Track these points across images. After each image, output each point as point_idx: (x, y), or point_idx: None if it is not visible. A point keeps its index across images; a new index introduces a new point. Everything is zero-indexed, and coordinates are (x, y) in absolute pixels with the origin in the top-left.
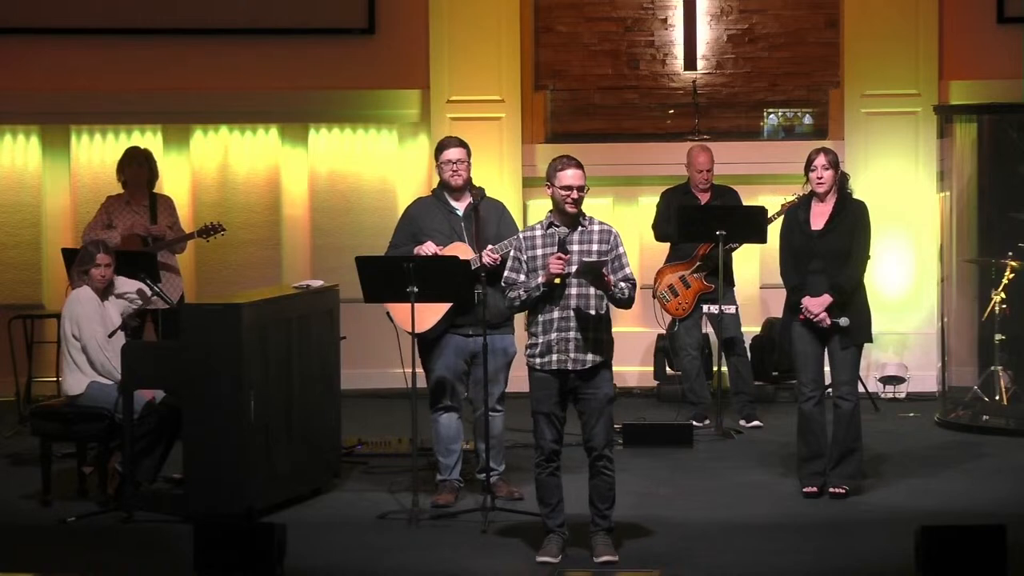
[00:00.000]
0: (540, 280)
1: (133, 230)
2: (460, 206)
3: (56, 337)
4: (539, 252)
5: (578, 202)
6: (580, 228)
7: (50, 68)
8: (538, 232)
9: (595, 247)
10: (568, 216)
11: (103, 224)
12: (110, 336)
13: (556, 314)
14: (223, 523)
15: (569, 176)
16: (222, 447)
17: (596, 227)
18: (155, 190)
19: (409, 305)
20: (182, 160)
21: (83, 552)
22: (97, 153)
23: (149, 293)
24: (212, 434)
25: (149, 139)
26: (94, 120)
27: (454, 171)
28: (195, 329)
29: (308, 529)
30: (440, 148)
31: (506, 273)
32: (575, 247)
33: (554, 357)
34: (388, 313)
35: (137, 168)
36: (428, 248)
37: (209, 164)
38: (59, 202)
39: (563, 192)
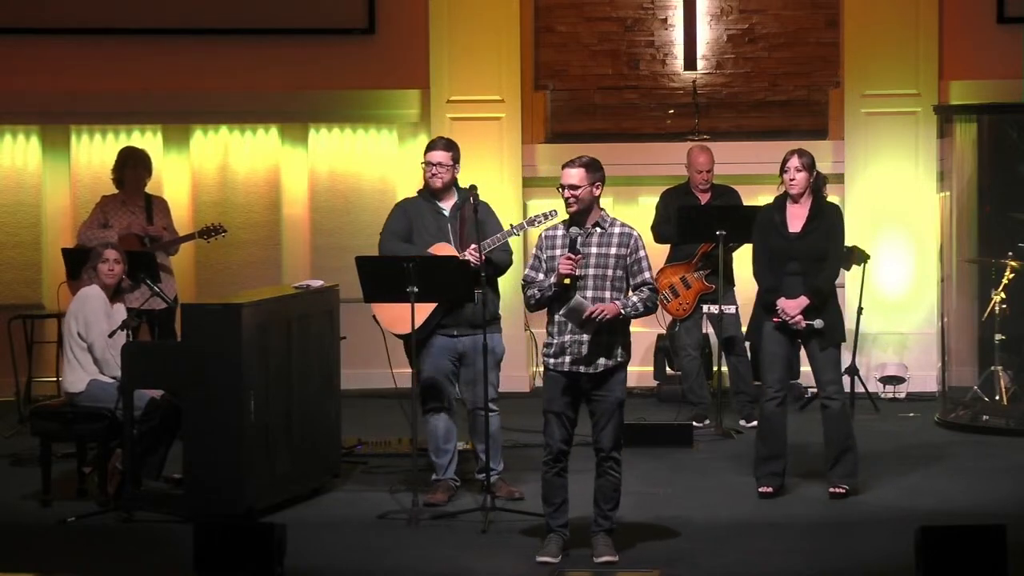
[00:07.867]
0: (551, 280)
1: (130, 230)
2: (446, 206)
3: (56, 337)
4: (557, 252)
5: (572, 202)
6: (600, 230)
7: (50, 68)
8: (559, 232)
9: (613, 250)
10: (581, 215)
11: (99, 223)
12: (111, 336)
13: None
14: (223, 523)
15: (563, 175)
16: (222, 447)
17: (617, 229)
18: (151, 190)
19: (395, 306)
20: (182, 160)
21: (83, 552)
22: (97, 153)
23: (149, 293)
24: (212, 434)
25: (149, 139)
26: (94, 120)
27: (433, 173)
28: (195, 329)
29: (308, 529)
30: (426, 148)
31: (526, 271)
32: (593, 249)
33: (567, 359)
34: (375, 316)
35: (141, 170)
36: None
37: (209, 164)
38: (59, 202)
39: (560, 190)
